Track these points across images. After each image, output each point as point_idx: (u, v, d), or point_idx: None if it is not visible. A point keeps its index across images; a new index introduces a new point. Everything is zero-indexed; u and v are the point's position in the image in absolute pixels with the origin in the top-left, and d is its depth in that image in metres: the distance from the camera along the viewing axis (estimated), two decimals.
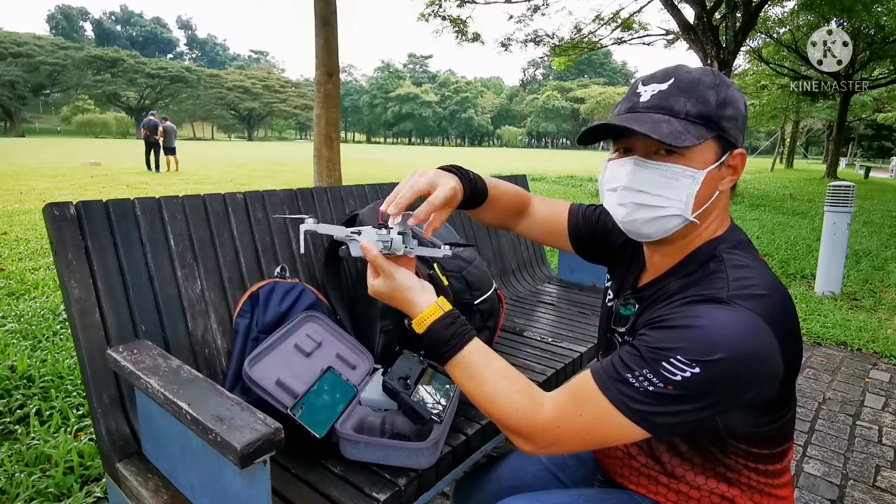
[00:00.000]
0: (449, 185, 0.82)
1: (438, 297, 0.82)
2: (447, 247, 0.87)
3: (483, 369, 0.76)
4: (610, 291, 0.97)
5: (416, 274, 0.85)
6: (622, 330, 0.85)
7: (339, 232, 0.83)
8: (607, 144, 0.82)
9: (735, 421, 0.73)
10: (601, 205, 0.94)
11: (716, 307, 0.67)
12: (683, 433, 0.77)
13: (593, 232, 1.02)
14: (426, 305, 0.79)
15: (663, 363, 0.65)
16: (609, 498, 0.85)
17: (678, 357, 0.64)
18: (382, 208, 0.81)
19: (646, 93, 0.74)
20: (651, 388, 0.65)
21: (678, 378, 0.64)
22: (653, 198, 0.73)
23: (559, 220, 1.05)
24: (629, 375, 0.67)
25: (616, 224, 0.84)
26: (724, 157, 0.73)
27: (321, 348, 1.24)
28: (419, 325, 0.79)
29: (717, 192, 0.74)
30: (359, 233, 0.82)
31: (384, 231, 0.82)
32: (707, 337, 0.64)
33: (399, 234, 0.83)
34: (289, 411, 1.01)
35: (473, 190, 0.89)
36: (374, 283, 0.82)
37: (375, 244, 0.82)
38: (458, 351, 0.77)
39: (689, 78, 0.72)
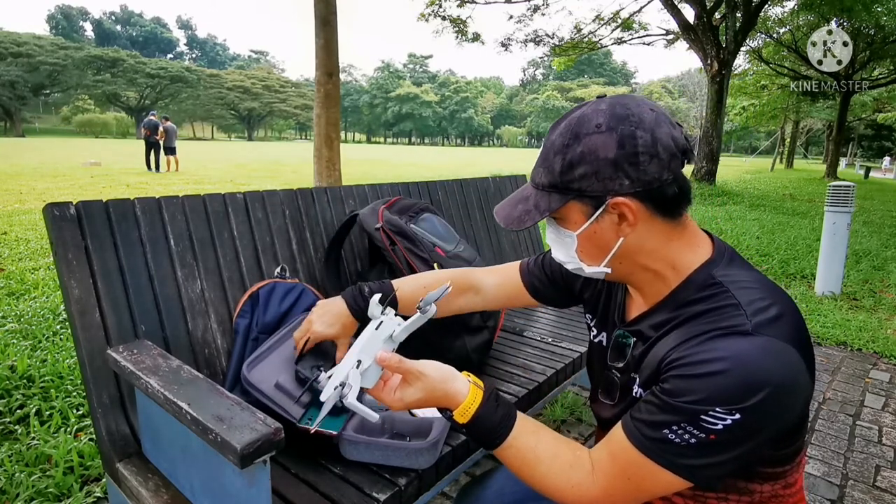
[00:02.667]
0: (326, 333, 1.04)
1: (461, 371, 0.80)
2: (430, 306, 0.84)
3: (535, 448, 0.75)
4: (592, 327, 0.94)
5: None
6: (620, 365, 0.82)
7: (328, 395, 0.76)
8: None
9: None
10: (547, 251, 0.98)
11: (741, 340, 0.63)
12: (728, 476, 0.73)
13: (551, 281, 1.03)
14: (465, 391, 0.76)
15: (702, 416, 0.62)
16: None
17: (716, 409, 0.61)
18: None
19: (534, 164, 0.77)
20: (693, 441, 0.63)
21: (719, 427, 0.62)
22: (557, 253, 0.80)
23: (513, 284, 1.06)
24: (667, 432, 0.64)
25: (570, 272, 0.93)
26: (596, 213, 0.70)
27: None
28: (463, 416, 0.75)
29: (621, 239, 0.71)
30: (343, 384, 0.76)
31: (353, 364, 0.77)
32: (742, 381, 0.61)
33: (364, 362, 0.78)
34: (299, 425, 1.01)
35: (362, 313, 1.01)
36: (405, 395, 0.78)
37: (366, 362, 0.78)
38: (509, 433, 0.76)
39: (549, 143, 0.73)
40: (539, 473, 0.74)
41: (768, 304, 0.67)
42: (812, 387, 0.68)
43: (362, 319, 0.94)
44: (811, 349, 0.68)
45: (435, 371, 0.78)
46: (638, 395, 0.76)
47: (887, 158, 27.35)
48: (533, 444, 0.75)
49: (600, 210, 0.70)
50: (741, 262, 0.75)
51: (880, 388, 2.64)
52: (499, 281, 1.08)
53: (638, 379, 0.76)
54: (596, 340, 0.92)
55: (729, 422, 0.61)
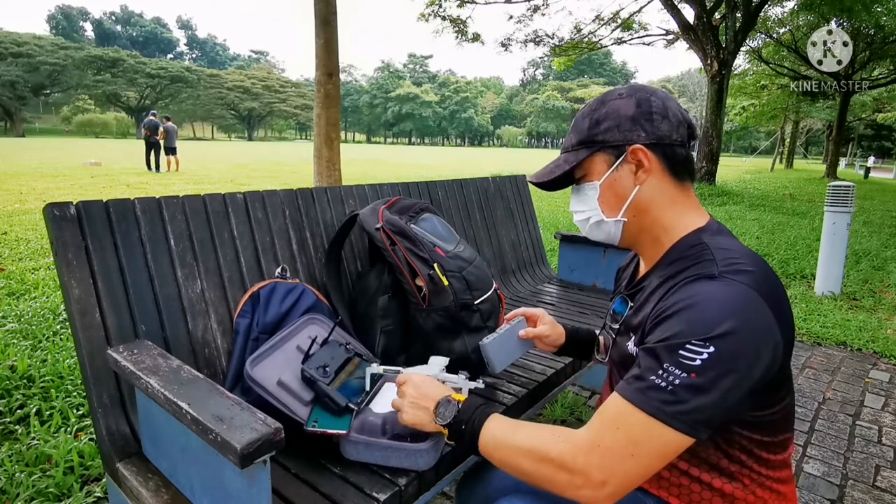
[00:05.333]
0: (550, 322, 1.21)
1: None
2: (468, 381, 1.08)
3: (517, 422, 0.82)
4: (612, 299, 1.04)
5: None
6: (616, 326, 0.90)
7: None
8: None
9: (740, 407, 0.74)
10: None
11: (708, 283, 0.71)
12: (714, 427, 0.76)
13: None
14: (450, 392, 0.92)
15: (680, 351, 0.67)
16: None
17: (692, 341, 0.66)
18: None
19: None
20: (678, 382, 0.66)
21: (698, 362, 0.66)
22: (579, 213, 0.91)
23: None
24: (653, 377, 0.68)
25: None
26: (618, 160, 0.83)
27: None
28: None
29: (637, 188, 0.82)
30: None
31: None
32: (709, 312, 0.67)
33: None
34: (306, 429, 1.02)
35: (576, 331, 1.20)
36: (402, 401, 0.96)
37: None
38: (489, 415, 0.84)
39: (577, 116, 0.89)
40: (521, 435, 0.77)
41: (742, 262, 0.73)
42: (786, 343, 0.71)
43: (574, 336, 1.21)
44: (784, 306, 0.72)
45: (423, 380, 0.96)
46: (633, 352, 0.80)
47: (872, 158, 27.78)
48: (513, 421, 0.83)
49: (621, 158, 0.83)
50: (729, 234, 0.83)
51: (880, 388, 2.64)
52: None
53: (634, 338, 0.81)
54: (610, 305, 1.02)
55: (705, 355, 0.66)
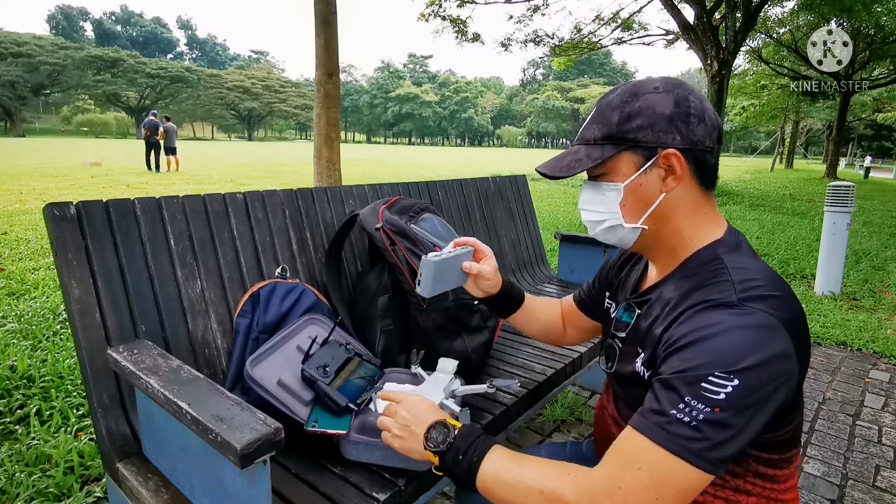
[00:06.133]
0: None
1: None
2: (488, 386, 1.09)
3: (521, 457, 0.75)
4: (609, 302, 0.99)
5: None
6: (622, 335, 0.85)
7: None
8: None
9: None
10: (588, 282, 1.11)
11: (728, 312, 0.66)
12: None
13: (592, 292, 1.09)
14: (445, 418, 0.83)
15: (702, 384, 0.63)
16: None
17: (714, 373, 0.62)
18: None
19: (580, 129, 0.84)
20: (702, 417, 0.62)
21: (722, 396, 0.62)
22: (594, 213, 0.82)
23: (567, 303, 1.16)
24: (674, 412, 0.64)
25: (603, 267, 1.07)
26: (648, 164, 0.75)
27: None
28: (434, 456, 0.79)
29: (663, 195, 0.76)
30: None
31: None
32: (732, 343, 0.63)
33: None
34: (306, 429, 1.02)
35: (511, 287, 1.10)
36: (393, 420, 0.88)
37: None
38: (493, 444, 0.77)
39: (604, 104, 0.79)
40: (534, 471, 0.71)
41: (760, 285, 0.69)
42: (802, 369, 0.68)
43: (508, 289, 1.12)
44: (804, 335, 0.69)
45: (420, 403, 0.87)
46: (640, 372, 0.77)
47: (868, 157, 27.89)
48: (517, 454, 0.76)
49: (651, 161, 0.75)
50: (749, 250, 0.78)
51: (880, 388, 2.64)
52: (554, 302, 1.19)
53: (643, 355, 0.77)
54: (609, 310, 0.98)
55: (729, 388, 0.62)
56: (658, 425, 0.65)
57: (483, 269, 1.05)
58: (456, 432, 0.78)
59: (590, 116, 0.81)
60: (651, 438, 0.65)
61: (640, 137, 0.75)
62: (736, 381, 0.62)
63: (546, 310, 1.15)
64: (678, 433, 0.63)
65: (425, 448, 0.80)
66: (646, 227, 0.78)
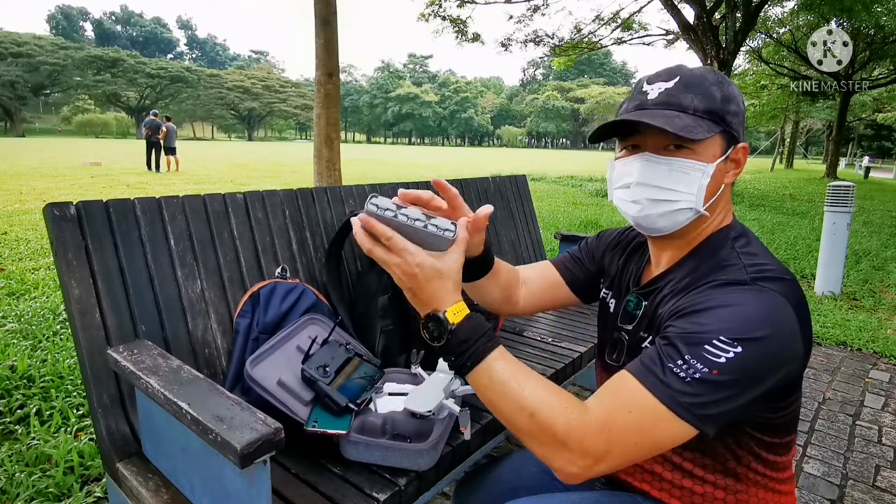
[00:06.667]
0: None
1: None
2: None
3: (525, 368, 0.71)
4: (606, 291, 0.97)
5: None
6: (629, 328, 0.85)
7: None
8: (608, 145, 0.85)
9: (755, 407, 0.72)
10: (575, 247, 1.04)
11: (742, 289, 0.68)
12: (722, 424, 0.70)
13: (584, 269, 1.04)
14: (452, 299, 0.70)
15: (706, 346, 0.64)
16: (611, 501, 0.85)
17: (720, 338, 0.64)
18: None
19: (652, 91, 0.76)
20: (697, 376, 0.64)
21: (722, 360, 0.63)
22: (665, 192, 0.75)
23: (551, 273, 1.05)
24: (672, 366, 0.65)
25: (596, 243, 1.03)
26: (729, 151, 0.76)
27: None
28: (457, 314, 0.69)
29: (723, 185, 0.77)
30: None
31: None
32: (746, 315, 0.65)
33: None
34: (306, 429, 1.02)
35: (489, 246, 0.90)
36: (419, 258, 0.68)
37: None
38: (497, 344, 0.71)
39: (694, 75, 0.75)
40: (527, 389, 0.68)
41: (771, 268, 0.71)
42: (806, 354, 0.70)
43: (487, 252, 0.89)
44: (808, 320, 0.71)
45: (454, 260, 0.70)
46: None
47: (866, 158, 27.96)
48: (520, 365, 0.72)
49: (730, 150, 0.76)
50: (755, 237, 0.80)
51: (880, 388, 2.64)
52: (539, 273, 1.07)
53: (649, 337, 0.79)
54: (608, 302, 0.96)
55: (731, 354, 0.63)
56: (653, 374, 0.66)
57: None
58: (452, 328, 0.69)
59: (673, 82, 0.74)
60: (645, 385, 0.66)
61: (733, 123, 0.75)
62: (739, 349, 0.63)
63: (508, 274, 1.01)
64: (671, 385, 0.64)
65: (422, 334, 0.71)
66: (707, 213, 0.76)
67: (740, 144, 0.77)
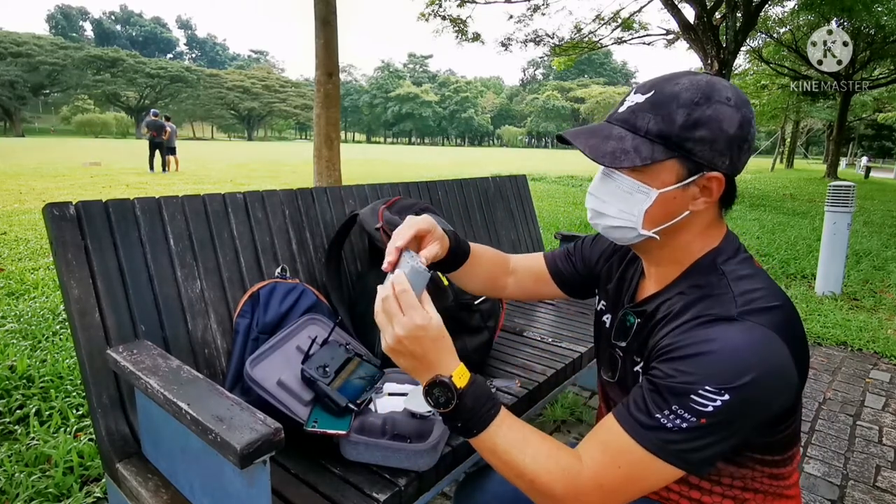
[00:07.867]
0: (434, 225, 0.86)
1: None
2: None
3: (524, 430, 0.73)
4: (601, 304, 0.96)
5: None
6: (623, 344, 0.84)
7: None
8: None
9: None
10: (572, 243, 1.04)
11: (727, 326, 0.66)
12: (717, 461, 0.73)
13: (574, 269, 1.05)
14: (455, 364, 0.72)
15: (692, 395, 0.63)
16: None
17: (706, 387, 0.63)
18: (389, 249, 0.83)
19: (626, 103, 0.74)
20: (685, 426, 0.64)
21: (709, 409, 0.63)
22: (607, 206, 0.75)
23: (540, 267, 1.08)
24: (659, 416, 0.65)
25: (591, 247, 1.01)
26: (689, 179, 0.70)
27: None
28: (461, 378, 0.71)
29: (687, 212, 0.72)
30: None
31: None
32: (730, 361, 0.63)
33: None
34: (306, 429, 1.02)
35: (458, 242, 0.93)
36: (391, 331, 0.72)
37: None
38: (499, 411, 0.72)
39: (668, 92, 0.70)
40: (528, 456, 0.70)
41: (760, 296, 0.69)
42: (801, 380, 0.69)
43: (457, 246, 0.93)
44: (803, 345, 0.69)
45: (437, 328, 0.71)
46: (640, 380, 0.76)
47: (865, 158, 27.99)
48: (521, 428, 0.73)
49: (694, 178, 0.70)
50: (746, 256, 0.77)
51: (880, 389, 2.64)
52: (528, 263, 1.09)
53: (641, 363, 0.78)
54: (603, 318, 0.94)
55: (718, 403, 0.62)
56: (640, 424, 0.66)
57: (430, 253, 0.88)
58: (461, 392, 0.70)
59: (645, 97, 0.71)
60: (634, 437, 0.66)
61: (696, 150, 0.68)
62: (726, 397, 0.62)
63: (493, 260, 1.04)
64: (659, 435, 0.65)
65: (426, 399, 0.72)
66: (658, 236, 0.74)
67: (712, 173, 0.70)
